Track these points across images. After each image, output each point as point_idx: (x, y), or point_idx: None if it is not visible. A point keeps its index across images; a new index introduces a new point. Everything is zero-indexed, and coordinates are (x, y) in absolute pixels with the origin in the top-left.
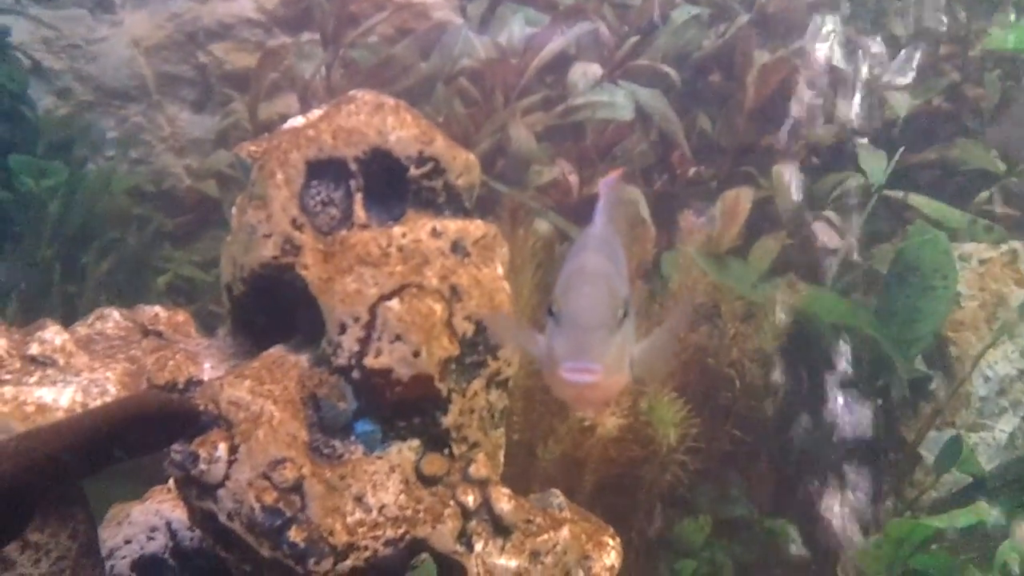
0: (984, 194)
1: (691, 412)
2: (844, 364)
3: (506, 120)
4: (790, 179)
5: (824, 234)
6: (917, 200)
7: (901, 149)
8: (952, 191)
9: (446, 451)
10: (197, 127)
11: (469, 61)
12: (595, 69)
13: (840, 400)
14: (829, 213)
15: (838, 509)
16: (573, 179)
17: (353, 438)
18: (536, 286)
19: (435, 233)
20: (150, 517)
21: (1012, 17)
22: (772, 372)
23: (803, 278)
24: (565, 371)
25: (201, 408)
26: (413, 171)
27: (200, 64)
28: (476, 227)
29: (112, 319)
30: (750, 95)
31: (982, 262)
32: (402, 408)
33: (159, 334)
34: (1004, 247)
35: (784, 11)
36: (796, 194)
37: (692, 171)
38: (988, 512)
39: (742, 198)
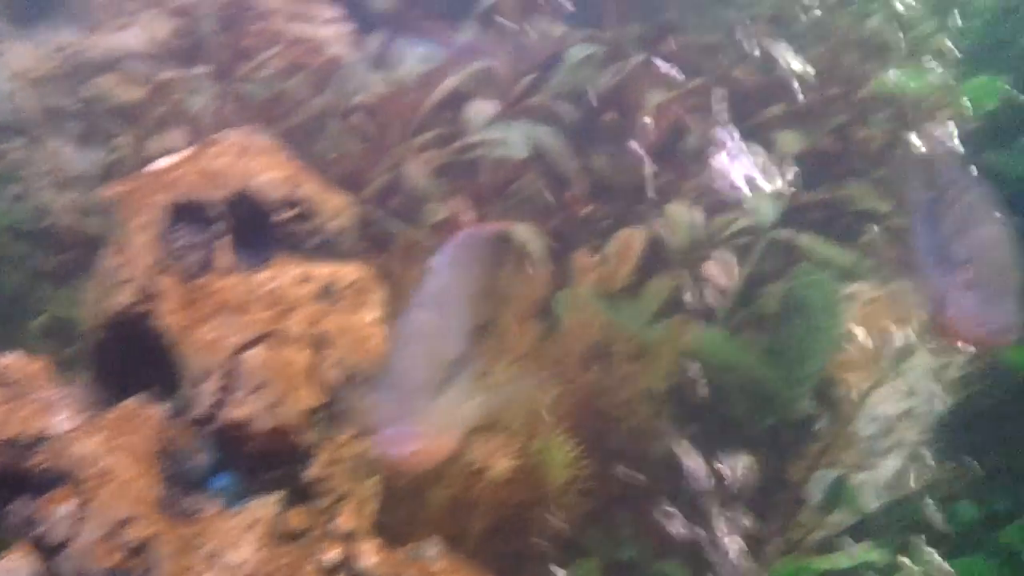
0: (870, 234)
1: (583, 453)
2: (734, 403)
3: (401, 157)
4: (683, 218)
5: (715, 273)
6: (805, 240)
7: (791, 190)
8: (839, 231)
9: (311, 504)
10: (81, 162)
11: (364, 97)
12: (491, 106)
13: (729, 439)
14: (720, 252)
15: (727, 550)
16: (467, 217)
17: (210, 493)
18: None
19: (303, 278)
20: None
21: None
22: (663, 412)
23: (694, 317)
24: (383, 438)
25: (47, 466)
26: (280, 215)
27: (86, 97)
28: (349, 271)
29: None
30: (644, 134)
31: (868, 302)
32: (263, 460)
33: (12, 384)
34: (890, 287)
35: (678, 52)
36: (688, 233)
37: (586, 210)
38: (873, 552)
39: (635, 237)
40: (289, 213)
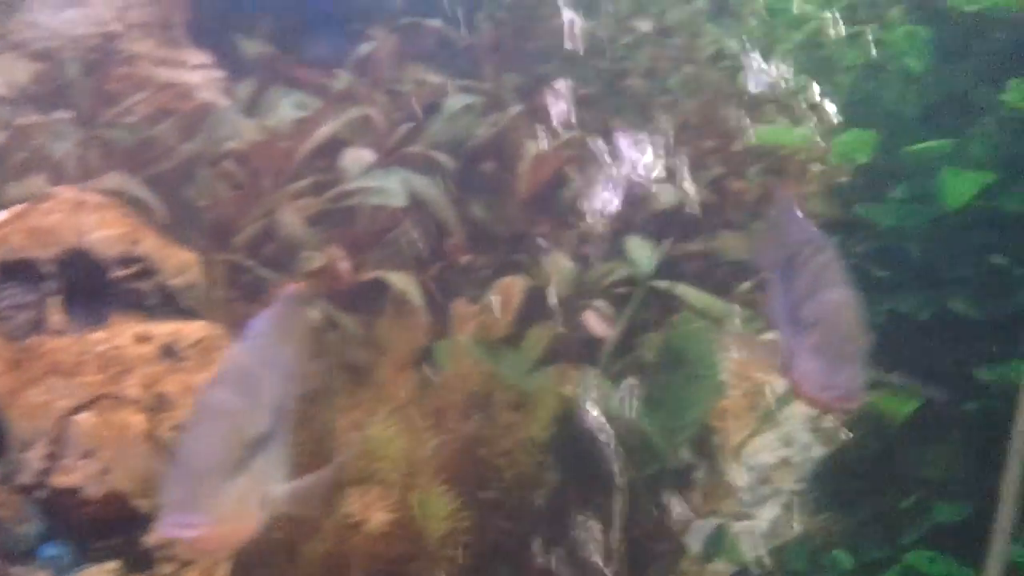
0: (746, 284)
1: (462, 504)
2: (613, 454)
3: (274, 204)
4: (561, 268)
5: (594, 323)
6: (683, 290)
7: (669, 240)
8: (716, 281)
9: (151, 572)
10: None
11: (235, 143)
12: (367, 155)
13: (609, 490)
14: (599, 302)
15: None
16: (344, 265)
17: (39, 563)
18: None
19: (141, 338)
20: None
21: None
22: (544, 462)
23: (574, 366)
24: (166, 524)
25: None
26: (117, 272)
27: None
28: (194, 328)
29: None
30: (523, 184)
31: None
32: (97, 528)
33: None
34: (766, 336)
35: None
36: (567, 283)
37: (465, 259)
38: None
39: (515, 286)
40: (127, 271)
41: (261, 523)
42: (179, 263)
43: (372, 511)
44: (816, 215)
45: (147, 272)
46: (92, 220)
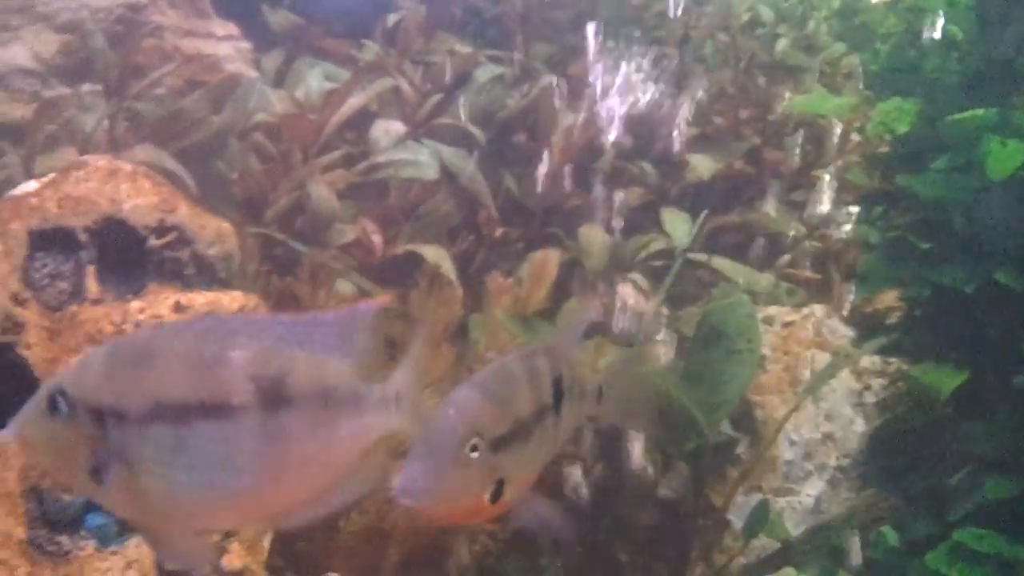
0: (786, 257)
1: None
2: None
3: (305, 177)
4: (596, 241)
5: (630, 296)
6: (721, 263)
7: (705, 212)
8: (755, 254)
9: None
10: None
11: (265, 116)
12: (398, 126)
13: (649, 465)
14: (635, 275)
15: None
16: (377, 238)
17: (83, 533)
18: None
19: (179, 307)
20: None
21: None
22: (580, 436)
23: (610, 340)
24: (397, 489)
25: None
26: (153, 241)
27: None
28: (231, 299)
29: None
30: (555, 156)
31: (785, 325)
32: None
33: None
34: (806, 310)
35: (587, 73)
36: (602, 256)
37: (499, 232)
38: None
39: (549, 259)
40: (163, 239)
41: (492, 514)
42: (215, 232)
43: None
44: (855, 187)
45: (183, 241)
46: (127, 188)
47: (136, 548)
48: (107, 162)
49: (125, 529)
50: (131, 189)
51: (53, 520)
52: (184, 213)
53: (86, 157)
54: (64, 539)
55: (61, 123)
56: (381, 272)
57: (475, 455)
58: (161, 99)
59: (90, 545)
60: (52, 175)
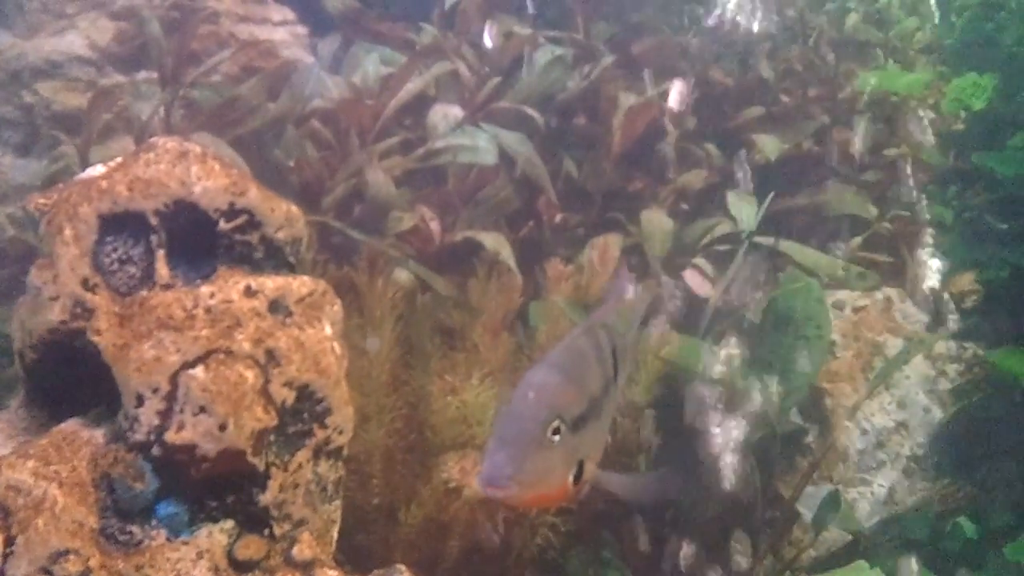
0: (856, 240)
1: None
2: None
3: (362, 164)
4: (659, 225)
5: (695, 281)
6: (788, 247)
7: (771, 194)
8: (823, 237)
9: (265, 531)
10: (22, 172)
11: (321, 102)
12: (456, 111)
13: (715, 454)
14: (699, 260)
15: (715, 569)
16: (435, 226)
17: (155, 522)
18: (396, 340)
19: (249, 292)
20: None
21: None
22: (644, 426)
23: (674, 327)
24: (481, 480)
25: None
26: (223, 225)
27: (25, 104)
28: (300, 284)
29: None
30: (616, 139)
31: (856, 310)
32: (211, 486)
33: None
34: (878, 294)
35: (649, 53)
36: (665, 241)
37: (559, 217)
38: (868, 570)
39: (611, 245)
40: (233, 223)
41: (575, 496)
42: (284, 215)
43: (470, 477)
44: (928, 166)
45: (253, 224)
46: (197, 170)
47: (207, 537)
48: (177, 143)
49: (196, 517)
50: (201, 171)
51: (124, 509)
52: (254, 195)
53: (156, 139)
54: (135, 528)
55: (117, 111)
56: (439, 260)
57: (557, 438)
58: (217, 86)
59: (161, 534)
60: (121, 158)
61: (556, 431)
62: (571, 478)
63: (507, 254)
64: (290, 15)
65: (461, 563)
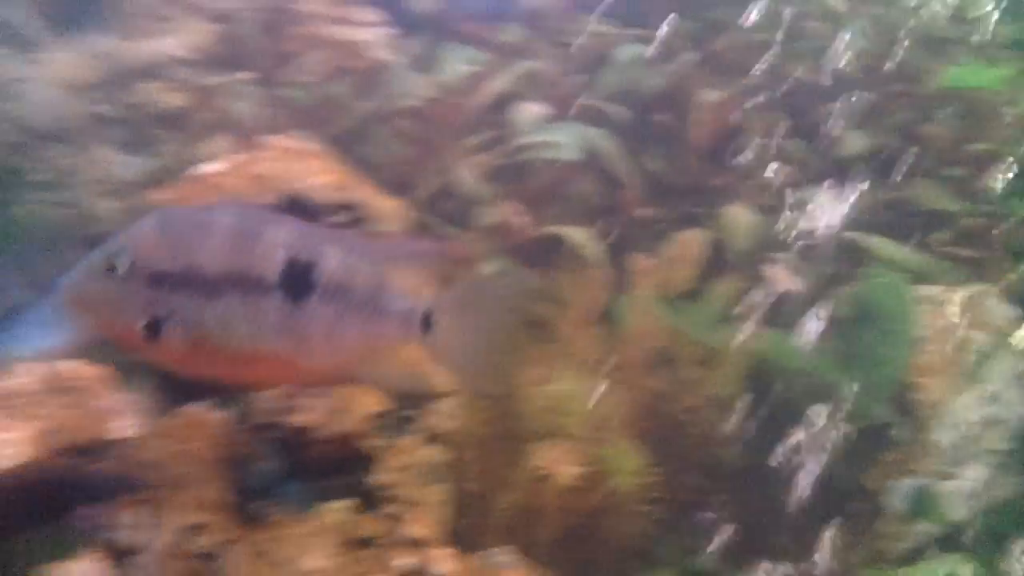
0: (942, 234)
1: (650, 460)
2: (806, 411)
3: (450, 161)
4: (742, 220)
5: (780, 276)
6: (874, 242)
7: (856, 189)
8: (909, 232)
9: (379, 510)
10: (128, 169)
11: (409, 101)
12: (539, 108)
13: (803, 448)
14: (784, 255)
15: (810, 559)
16: (521, 221)
17: (278, 500)
18: None
19: None
20: None
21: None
22: (732, 418)
23: (760, 322)
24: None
25: (114, 472)
26: (334, 219)
27: (130, 104)
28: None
29: (24, 375)
30: (699, 134)
31: (943, 305)
32: (329, 467)
33: (74, 390)
34: (965, 289)
35: (731, 49)
36: (749, 236)
37: (642, 212)
38: (960, 564)
39: (694, 240)
40: (342, 217)
41: (155, 356)
42: (388, 210)
43: (560, 465)
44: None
45: (360, 219)
46: (306, 167)
47: (332, 514)
48: (288, 141)
49: (313, 497)
50: (313, 167)
51: (251, 487)
52: (360, 191)
53: (267, 137)
54: (260, 505)
55: (216, 111)
56: (526, 254)
57: (118, 273)
58: (310, 86)
59: (285, 512)
60: (236, 153)
61: (116, 268)
62: (139, 328)
63: (592, 248)
64: (377, 16)
65: (554, 549)
